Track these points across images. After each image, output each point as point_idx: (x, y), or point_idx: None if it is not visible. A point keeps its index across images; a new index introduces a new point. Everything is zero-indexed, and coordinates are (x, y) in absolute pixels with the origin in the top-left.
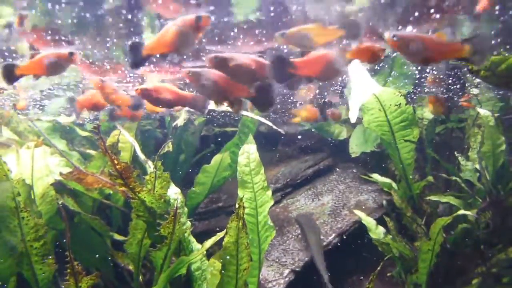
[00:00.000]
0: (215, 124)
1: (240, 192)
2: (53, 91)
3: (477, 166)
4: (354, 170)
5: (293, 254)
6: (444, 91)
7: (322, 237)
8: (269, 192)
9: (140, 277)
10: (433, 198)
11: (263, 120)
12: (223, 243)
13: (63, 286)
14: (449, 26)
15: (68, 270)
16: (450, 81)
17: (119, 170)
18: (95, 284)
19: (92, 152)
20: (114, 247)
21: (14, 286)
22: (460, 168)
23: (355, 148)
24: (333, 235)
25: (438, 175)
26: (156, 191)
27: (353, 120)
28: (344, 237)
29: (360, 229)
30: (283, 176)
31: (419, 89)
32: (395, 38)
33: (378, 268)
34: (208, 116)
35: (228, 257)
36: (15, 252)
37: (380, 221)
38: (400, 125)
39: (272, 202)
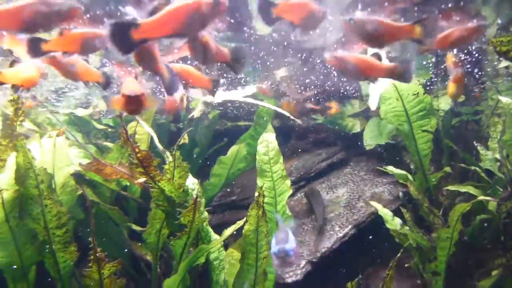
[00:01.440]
0: (228, 119)
1: (259, 181)
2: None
3: (498, 156)
4: (368, 163)
5: (309, 245)
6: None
7: (338, 228)
8: (288, 181)
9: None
10: (452, 188)
11: (279, 110)
12: (243, 231)
13: (84, 273)
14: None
15: (91, 257)
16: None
17: (140, 159)
18: (113, 273)
19: (109, 144)
20: (131, 238)
21: (34, 276)
22: (479, 158)
23: (369, 140)
24: (349, 226)
25: (455, 165)
26: (175, 181)
27: (373, 107)
28: (360, 228)
29: (376, 220)
30: (296, 169)
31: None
32: (351, 22)
33: (398, 255)
34: (220, 109)
35: (247, 245)
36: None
37: (396, 213)
38: (418, 114)
39: (291, 191)
